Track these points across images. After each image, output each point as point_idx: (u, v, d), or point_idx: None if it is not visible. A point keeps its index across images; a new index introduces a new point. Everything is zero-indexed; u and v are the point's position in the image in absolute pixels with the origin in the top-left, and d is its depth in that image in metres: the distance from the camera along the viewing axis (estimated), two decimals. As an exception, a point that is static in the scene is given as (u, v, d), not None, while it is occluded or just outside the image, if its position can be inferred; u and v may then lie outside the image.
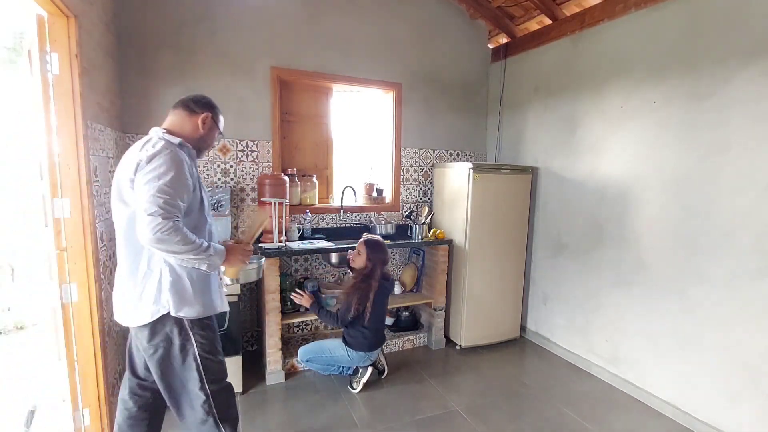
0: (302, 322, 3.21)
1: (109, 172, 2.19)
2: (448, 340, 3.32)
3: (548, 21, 3.15)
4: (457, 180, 3.16)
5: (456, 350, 3.21)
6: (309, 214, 3.03)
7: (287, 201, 2.72)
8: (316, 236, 3.03)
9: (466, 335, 3.19)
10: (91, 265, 1.82)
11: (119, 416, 1.69)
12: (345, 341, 2.58)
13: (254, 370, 2.77)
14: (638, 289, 2.55)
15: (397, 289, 3.27)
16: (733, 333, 2.09)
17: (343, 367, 2.63)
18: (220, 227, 2.74)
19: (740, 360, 2.06)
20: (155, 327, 1.48)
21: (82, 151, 1.77)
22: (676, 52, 2.31)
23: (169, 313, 1.46)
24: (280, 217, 2.64)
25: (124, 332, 2.39)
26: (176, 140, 1.49)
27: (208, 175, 2.82)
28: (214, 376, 1.60)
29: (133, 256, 1.47)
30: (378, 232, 3.22)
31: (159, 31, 2.61)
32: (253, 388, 2.60)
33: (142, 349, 1.54)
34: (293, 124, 3.20)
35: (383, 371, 2.75)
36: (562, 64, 3.05)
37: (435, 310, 3.20)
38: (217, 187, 2.82)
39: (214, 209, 2.71)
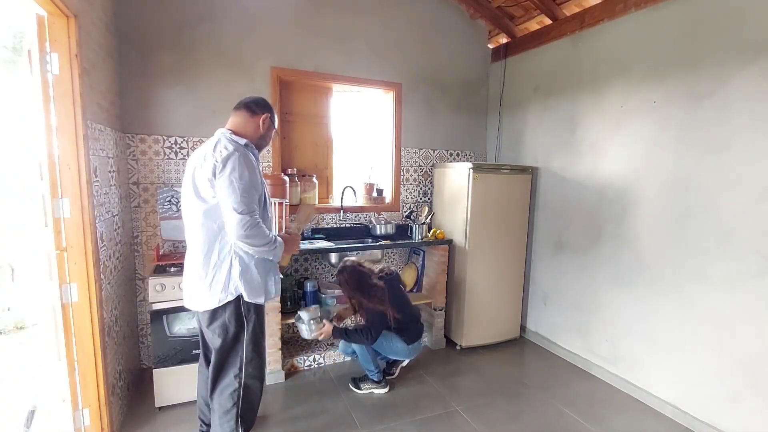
0: (302, 322, 3.20)
1: (109, 172, 2.19)
2: (448, 340, 3.32)
3: (548, 21, 3.15)
4: (457, 180, 3.16)
5: (456, 350, 3.21)
6: (309, 214, 3.03)
7: (287, 201, 2.72)
8: (316, 236, 3.03)
9: (466, 335, 3.19)
10: (91, 265, 1.82)
11: (201, 386, 1.92)
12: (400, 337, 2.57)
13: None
14: (638, 288, 2.55)
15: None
16: (733, 333, 2.09)
17: (384, 355, 2.63)
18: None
19: (740, 360, 2.06)
20: (216, 312, 1.66)
21: (82, 151, 1.77)
22: (676, 52, 2.31)
23: (231, 301, 1.65)
24: (280, 217, 2.64)
25: (125, 332, 2.40)
26: (243, 141, 1.66)
27: (208, 175, 2.82)
28: (253, 370, 1.78)
29: (207, 247, 1.64)
30: (378, 232, 3.22)
31: (159, 31, 2.61)
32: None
33: (209, 334, 1.72)
34: (293, 124, 3.20)
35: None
36: (562, 64, 3.05)
37: (435, 310, 3.20)
38: (217, 187, 2.82)
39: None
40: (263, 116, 1.75)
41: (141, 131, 2.63)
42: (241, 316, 1.70)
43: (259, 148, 1.79)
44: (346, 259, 2.60)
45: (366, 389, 2.58)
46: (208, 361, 1.85)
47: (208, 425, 1.90)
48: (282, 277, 2.04)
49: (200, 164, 1.59)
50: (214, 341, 1.71)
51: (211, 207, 1.59)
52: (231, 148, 1.58)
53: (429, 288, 3.29)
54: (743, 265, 2.03)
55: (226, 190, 1.53)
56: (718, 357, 2.15)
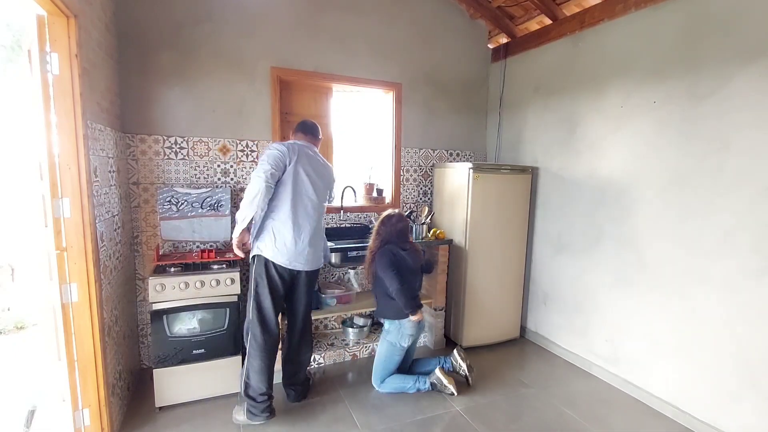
0: (302, 322, 3.20)
1: (109, 172, 2.19)
2: (448, 340, 3.32)
3: (548, 21, 3.15)
4: (457, 180, 3.16)
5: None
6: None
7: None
8: (316, 236, 3.03)
9: (466, 335, 3.19)
10: (91, 265, 1.82)
11: (272, 361, 2.28)
12: (377, 315, 2.58)
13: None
14: (638, 288, 2.55)
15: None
16: (733, 333, 2.09)
17: (418, 382, 2.53)
18: (220, 227, 2.74)
19: (740, 360, 2.06)
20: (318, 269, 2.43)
21: (82, 151, 1.76)
22: (676, 52, 2.31)
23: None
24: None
25: (125, 332, 2.40)
26: None
27: (208, 175, 2.83)
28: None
29: (320, 225, 2.36)
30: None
31: (159, 31, 2.61)
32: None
33: (309, 285, 2.38)
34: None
35: (467, 377, 2.62)
36: (562, 64, 3.05)
37: (435, 310, 3.20)
38: (217, 187, 2.82)
39: (213, 209, 2.73)
40: (320, 139, 2.51)
41: (141, 131, 2.63)
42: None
43: None
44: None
45: (449, 388, 2.49)
46: (277, 335, 2.29)
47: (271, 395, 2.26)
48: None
49: (325, 170, 2.37)
50: (311, 291, 2.44)
51: (326, 202, 2.44)
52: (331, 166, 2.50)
53: (429, 288, 3.29)
54: (743, 265, 2.03)
55: (334, 191, 2.53)
56: (718, 357, 2.15)
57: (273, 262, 2.18)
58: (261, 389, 2.18)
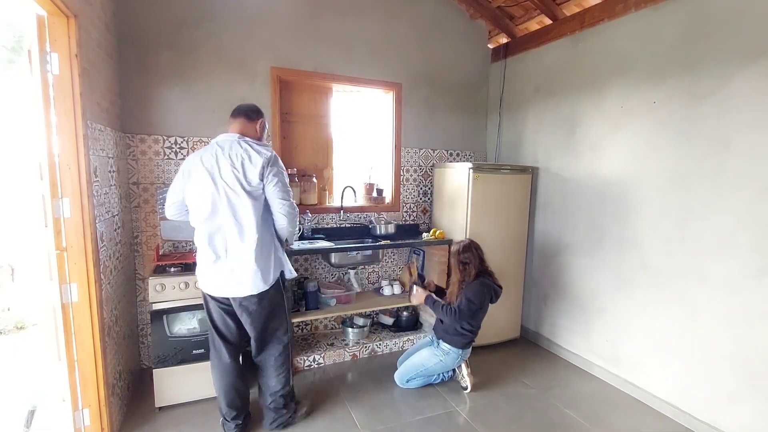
0: (302, 321, 3.20)
1: (109, 172, 2.19)
2: (448, 340, 3.31)
3: (548, 21, 3.15)
4: (457, 180, 3.16)
5: (456, 350, 3.21)
6: (309, 214, 3.03)
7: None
8: (316, 236, 3.03)
9: (466, 335, 3.18)
10: (91, 265, 1.82)
11: (225, 378, 2.08)
12: (437, 336, 2.59)
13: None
14: (638, 289, 2.55)
15: (396, 289, 3.27)
16: (733, 333, 2.08)
17: (442, 374, 2.66)
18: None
19: (740, 360, 2.06)
20: (267, 291, 1.95)
21: (82, 151, 1.76)
22: (676, 52, 2.31)
23: (278, 278, 2.00)
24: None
25: (125, 332, 2.39)
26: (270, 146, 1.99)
27: (208, 175, 2.82)
28: (289, 331, 2.16)
29: (258, 236, 1.88)
30: (378, 232, 3.22)
31: (159, 31, 2.61)
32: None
33: (253, 314, 1.97)
34: (293, 124, 3.19)
35: (467, 388, 2.64)
36: (562, 64, 3.05)
37: (435, 310, 3.19)
38: (217, 187, 2.82)
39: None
40: (260, 121, 2.03)
41: (141, 131, 2.63)
42: (281, 288, 2.05)
43: None
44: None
45: (466, 382, 2.61)
46: (234, 349, 2.09)
47: (242, 410, 2.13)
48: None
49: (242, 164, 1.85)
50: (261, 316, 2.00)
51: (261, 202, 1.89)
52: (270, 151, 1.92)
53: (429, 288, 3.28)
54: (743, 266, 2.03)
55: (277, 185, 1.90)
56: (719, 357, 2.15)
57: (203, 291, 2.01)
58: (222, 408, 2.11)
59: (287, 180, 1.97)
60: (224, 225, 1.88)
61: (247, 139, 1.94)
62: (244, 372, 2.16)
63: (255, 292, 1.92)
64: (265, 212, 1.94)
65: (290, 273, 2.07)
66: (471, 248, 2.54)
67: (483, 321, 2.60)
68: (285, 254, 2.07)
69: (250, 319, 1.99)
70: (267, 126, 2.11)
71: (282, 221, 1.95)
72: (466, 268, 2.52)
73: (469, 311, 2.44)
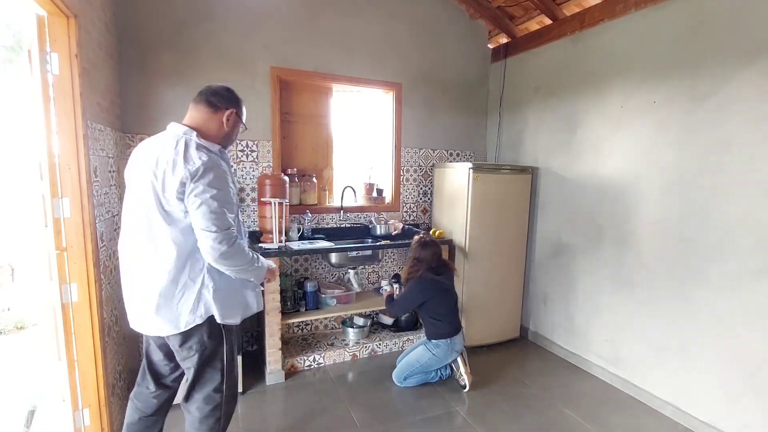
0: (302, 322, 3.21)
1: (109, 171, 2.19)
2: (448, 340, 3.31)
3: (548, 21, 3.15)
4: (457, 180, 3.16)
5: (456, 350, 3.21)
6: (309, 214, 3.03)
7: (287, 201, 2.72)
8: (316, 236, 3.03)
9: (466, 335, 3.17)
10: (91, 265, 1.82)
11: (132, 414, 1.71)
12: (426, 336, 2.67)
13: (254, 370, 2.76)
14: (638, 289, 2.55)
15: (396, 290, 3.27)
16: (733, 333, 2.09)
17: (440, 370, 2.68)
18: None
19: (740, 360, 2.06)
20: (189, 333, 1.48)
21: (82, 151, 1.76)
22: (676, 52, 2.31)
23: (202, 323, 1.47)
24: (280, 217, 2.64)
25: (125, 332, 2.39)
26: (215, 148, 1.48)
27: (208, 175, 2.82)
28: (232, 380, 1.62)
29: (176, 264, 1.41)
30: (378, 232, 3.22)
31: (159, 31, 2.61)
32: (252, 388, 2.60)
33: (173, 355, 1.58)
34: (293, 124, 3.19)
35: (465, 386, 2.63)
36: (562, 64, 3.05)
37: (435, 310, 3.20)
38: (217, 187, 2.81)
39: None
40: (227, 112, 1.51)
41: (141, 131, 2.63)
42: (219, 334, 1.54)
43: (225, 147, 1.58)
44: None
45: (464, 380, 2.62)
46: (159, 385, 1.69)
47: None
48: (262, 289, 1.88)
49: (163, 172, 1.36)
50: (190, 359, 1.52)
51: (183, 222, 1.40)
52: (204, 158, 1.37)
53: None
54: (743, 266, 2.03)
55: (201, 208, 1.35)
56: (719, 357, 2.15)
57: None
58: None
59: (227, 198, 1.41)
60: (137, 246, 1.46)
61: (195, 137, 1.42)
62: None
63: (161, 335, 1.50)
64: (189, 240, 1.43)
65: (221, 318, 1.50)
66: (428, 247, 2.63)
67: (449, 310, 2.66)
68: (223, 292, 1.51)
69: (180, 359, 1.58)
70: (242, 119, 1.60)
71: (209, 260, 1.41)
72: (416, 265, 2.62)
73: (405, 306, 2.69)
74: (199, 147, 1.41)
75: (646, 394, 2.51)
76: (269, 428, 2.23)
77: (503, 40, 3.62)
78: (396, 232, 3.22)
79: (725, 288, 2.11)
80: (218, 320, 1.49)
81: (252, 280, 1.58)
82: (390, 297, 2.82)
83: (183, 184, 1.34)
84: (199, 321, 1.46)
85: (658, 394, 2.45)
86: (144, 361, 1.69)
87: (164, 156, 1.37)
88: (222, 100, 1.51)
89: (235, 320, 1.55)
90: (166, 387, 1.71)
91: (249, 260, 1.49)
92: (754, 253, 1.99)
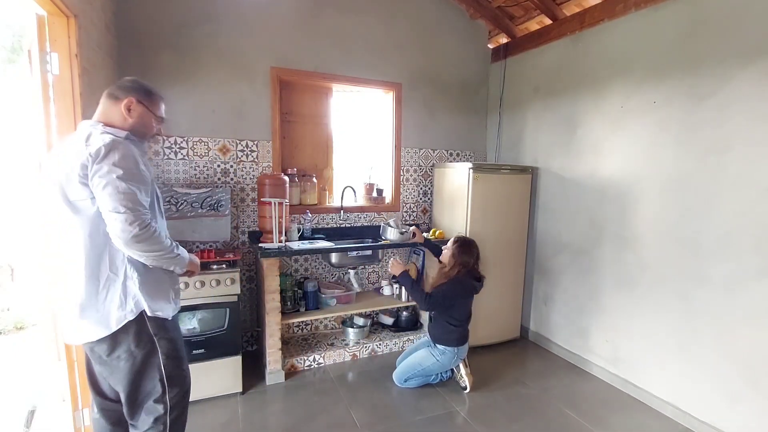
0: (302, 322, 3.20)
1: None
2: (448, 340, 3.31)
3: (548, 21, 3.15)
4: (457, 180, 3.16)
5: (456, 350, 3.21)
6: (309, 214, 3.03)
7: (287, 201, 2.72)
8: (316, 236, 3.03)
9: (466, 335, 3.19)
10: (91, 265, 1.82)
11: None
12: (432, 339, 2.62)
13: (254, 370, 2.76)
14: (638, 289, 2.55)
15: (396, 289, 3.27)
16: (733, 333, 2.09)
17: (441, 373, 2.67)
18: (219, 227, 2.74)
19: (740, 360, 2.06)
20: (117, 337, 1.37)
21: (82, 151, 1.76)
22: (676, 52, 2.31)
23: (132, 320, 1.38)
24: (280, 217, 2.64)
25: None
26: (122, 134, 1.39)
27: (208, 175, 2.82)
28: (176, 387, 1.51)
29: (93, 260, 1.34)
30: (389, 236, 3.18)
31: (159, 31, 2.61)
32: (252, 388, 2.60)
33: (101, 364, 1.44)
34: (293, 124, 3.19)
35: (466, 388, 2.63)
36: (562, 64, 3.05)
37: (435, 310, 3.19)
38: (217, 187, 2.82)
39: (213, 209, 2.71)
40: (126, 101, 1.41)
41: (141, 131, 2.63)
42: (149, 335, 1.43)
43: (140, 139, 1.48)
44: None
45: (465, 382, 2.61)
46: (107, 404, 1.54)
47: None
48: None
49: (68, 164, 1.29)
50: (120, 370, 1.40)
51: (91, 213, 1.32)
52: (108, 140, 1.30)
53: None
54: (743, 266, 2.03)
55: (106, 189, 1.26)
56: (719, 357, 2.15)
57: None
58: None
59: (139, 178, 1.33)
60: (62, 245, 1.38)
61: (100, 127, 1.37)
62: None
63: (90, 339, 1.37)
64: (101, 229, 1.34)
65: (151, 311, 1.41)
66: (472, 250, 2.59)
67: (468, 316, 2.64)
68: (150, 283, 1.43)
69: (108, 373, 1.45)
70: (152, 109, 1.47)
71: (120, 246, 1.31)
72: (457, 265, 2.56)
73: (442, 303, 2.52)
74: (102, 132, 1.35)
75: (646, 394, 2.51)
76: (269, 428, 2.23)
77: (503, 40, 3.62)
78: (415, 239, 2.95)
79: (725, 288, 2.11)
80: (148, 313, 1.41)
81: (173, 269, 1.48)
82: (410, 279, 2.57)
83: (84, 167, 1.26)
84: (130, 317, 1.37)
85: (658, 394, 2.45)
86: (87, 377, 1.56)
87: (70, 150, 1.32)
88: (121, 89, 1.43)
89: (166, 314, 1.46)
90: (111, 403, 1.55)
91: (166, 247, 1.38)
92: (754, 253, 1.99)
